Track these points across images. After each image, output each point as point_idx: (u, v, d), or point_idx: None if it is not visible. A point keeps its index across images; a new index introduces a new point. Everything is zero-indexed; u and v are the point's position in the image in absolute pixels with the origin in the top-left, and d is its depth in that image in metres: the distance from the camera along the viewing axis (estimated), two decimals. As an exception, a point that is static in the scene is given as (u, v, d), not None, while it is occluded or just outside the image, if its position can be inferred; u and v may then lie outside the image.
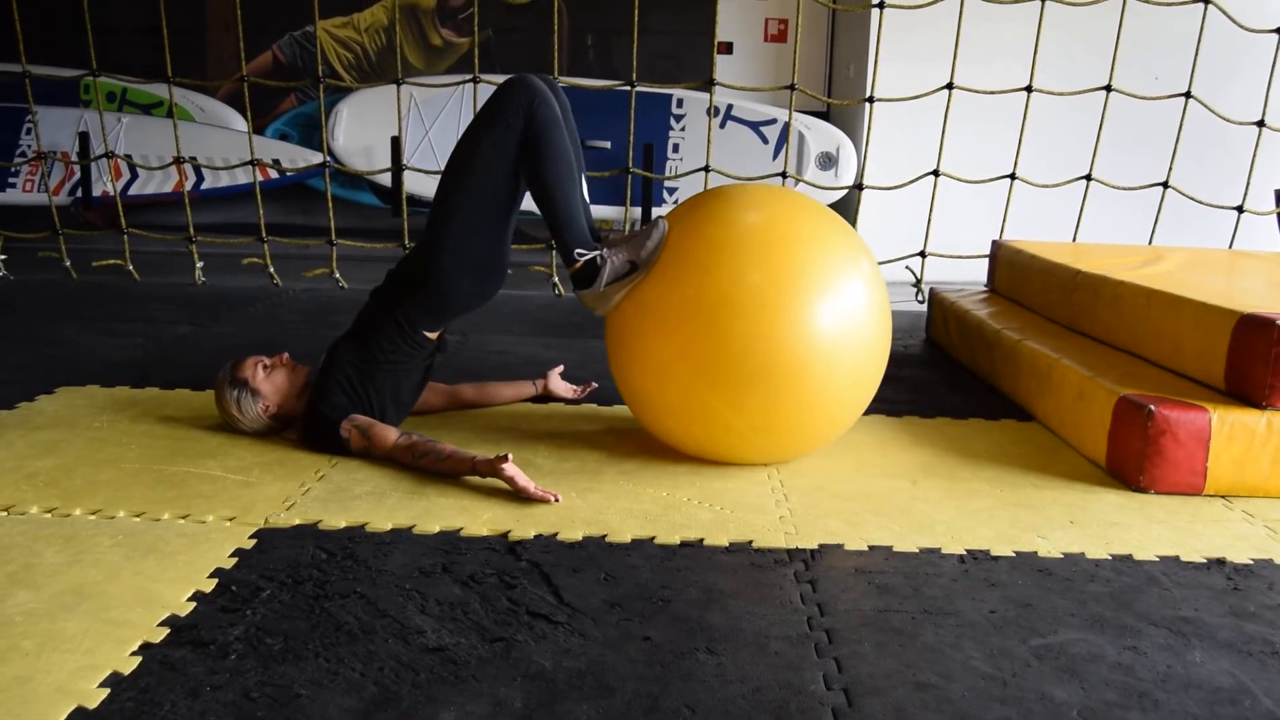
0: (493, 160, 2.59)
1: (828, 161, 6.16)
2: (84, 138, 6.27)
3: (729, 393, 2.45)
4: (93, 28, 4.99)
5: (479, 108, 2.69)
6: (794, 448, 2.63)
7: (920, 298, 4.97)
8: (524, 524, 2.23)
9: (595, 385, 3.24)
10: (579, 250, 2.57)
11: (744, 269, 2.43)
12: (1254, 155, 5.01)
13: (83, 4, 4.92)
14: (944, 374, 3.77)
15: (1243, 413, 2.52)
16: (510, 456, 2.38)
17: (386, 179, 5.83)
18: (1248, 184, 5.08)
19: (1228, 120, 4.97)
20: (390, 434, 2.57)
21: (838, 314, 2.45)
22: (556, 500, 2.36)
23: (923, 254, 5.06)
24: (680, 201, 6.14)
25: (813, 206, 2.64)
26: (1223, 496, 2.54)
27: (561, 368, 3.25)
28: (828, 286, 2.45)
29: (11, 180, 6.34)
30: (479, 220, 2.64)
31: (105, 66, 5.22)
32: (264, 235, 5.19)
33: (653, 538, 2.19)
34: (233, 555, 2.04)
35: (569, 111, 2.71)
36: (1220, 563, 2.17)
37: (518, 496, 2.37)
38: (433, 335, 2.75)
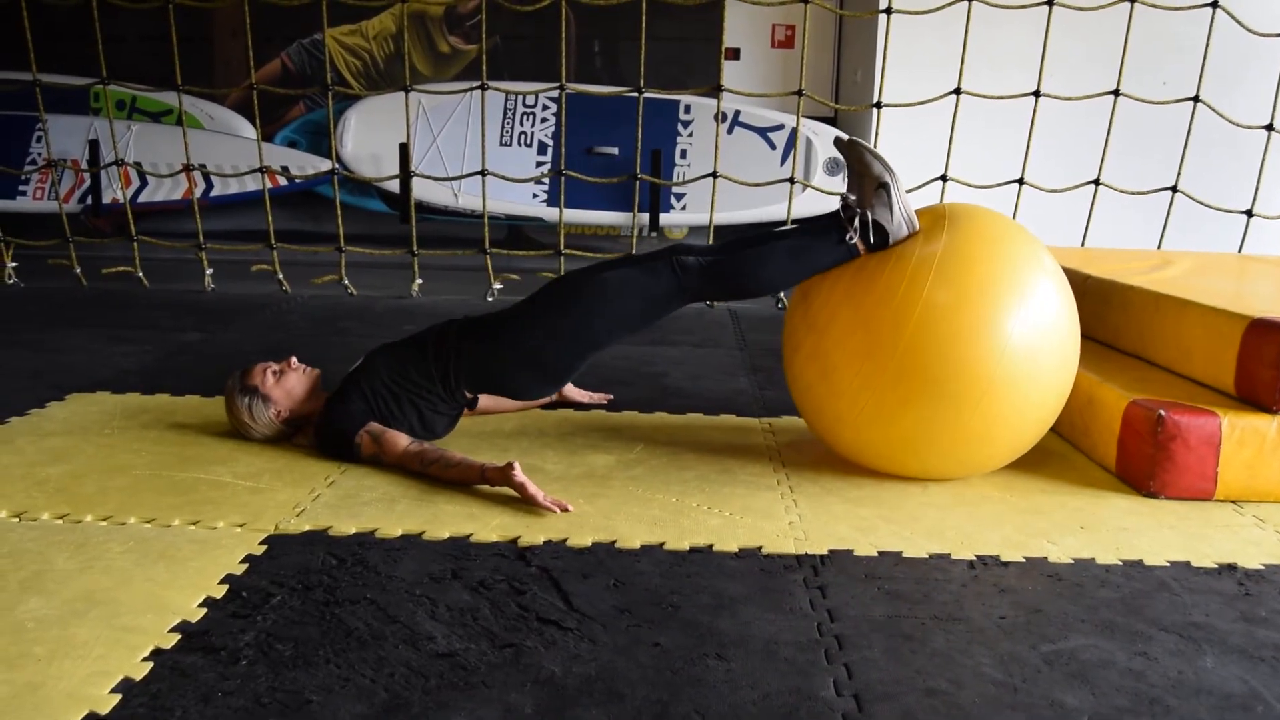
0: (629, 299, 2.59)
1: (835, 167, 6.16)
2: (94, 145, 6.29)
3: (923, 407, 2.42)
4: (102, 36, 5.02)
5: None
6: (992, 462, 2.61)
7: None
8: (533, 530, 2.24)
9: (611, 397, 3.24)
10: (848, 237, 2.51)
11: (937, 286, 2.40)
12: (1263, 159, 5.00)
13: (92, 13, 4.95)
14: (953, 379, 3.75)
15: (1253, 417, 2.51)
16: (518, 464, 2.39)
17: (395, 185, 5.84)
18: (1257, 188, 5.07)
19: (1236, 124, 4.96)
20: (401, 440, 2.57)
21: (1039, 331, 2.43)
22: (566, 510, 2.36)
23: (931, 259, 5.05)
24: (687, 207, 6.17)
25: (1022, 233, 2.63)
26: (1233, 502, 2.54)
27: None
28: (1028, 304, 2.43)
29: (22, 188, 6.36)
30: (580, 338, 2.63)
31: (115, 75, 5.24)
32: (273, 242, 5.21)
33: (662, 543, 2.19)
34: (243, 561, 2.05)
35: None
36: (1231, 568, 2.16)
37: (528, 503, 2.38)
38: (470, 395, 2.74)
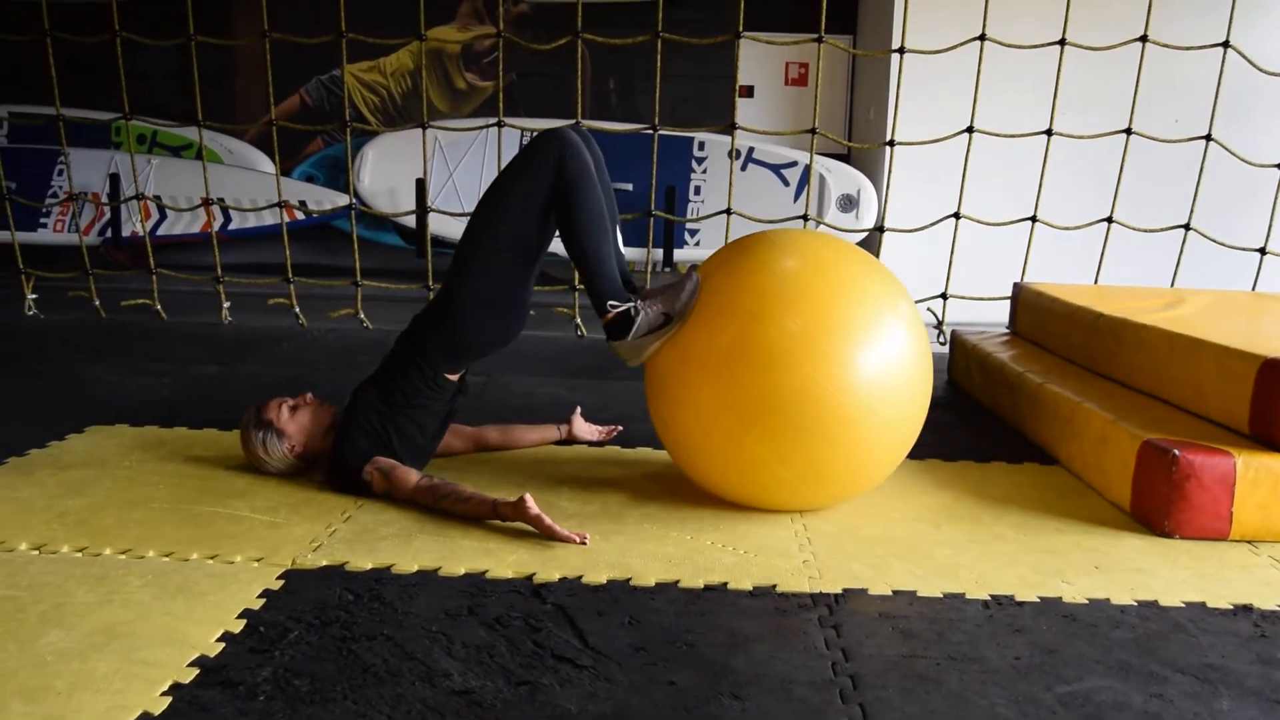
0: (520, 206, 2.62)
1: (849, 204, 6.19)
2: (114, 179, 6.38)
3: (774, 441, 2.44)
4: (125, 72, 5.09)
5: (512, 156, 2.73)
6: (839, 494, 2.63)
7: (942, 340, 4.97)
8: (548, 567, 2.24)
9: (620, 429, 3.25)
10: (611, 302, 2.58)
11: (787, 314, 2.43)
12: (1276, 197, 5.02)
13: (116, 50, 5.03)
14: (966, 416, 3.76)
15: (1268, 457, 2.51)
16: (529, 497, 2.40)
17: (411, 220, 5.90)
18: (1270, 226, 5.08)
19: (1248, 162, 4.98)
20: (412, 476, 2.59)
21: (882, 359, 2.45)
22: (584, 541, 2.37)
23: (944, 296, 5.08)
24: (701, 243, 6.21)
25: (851, 250, 2.66)
26: (1249, 542, 2.53)
27: (580, 409, 3.25)
28: (870, 332, 2.46)
29: (43, 220, 6.44)
30: (501, 263, 2.67)
31: (137, 110, 5.31)
32: (290, 276, 5.25)
33: (677, 581, 2.20)
34: (261, 596, 2.06)
35: (602, 165, 2.74)
36: (1247, 609, 2.16)
37: (542, 539, 2.39)
38: (453, 377, 2.76)
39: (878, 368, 2.44)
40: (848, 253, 2.64)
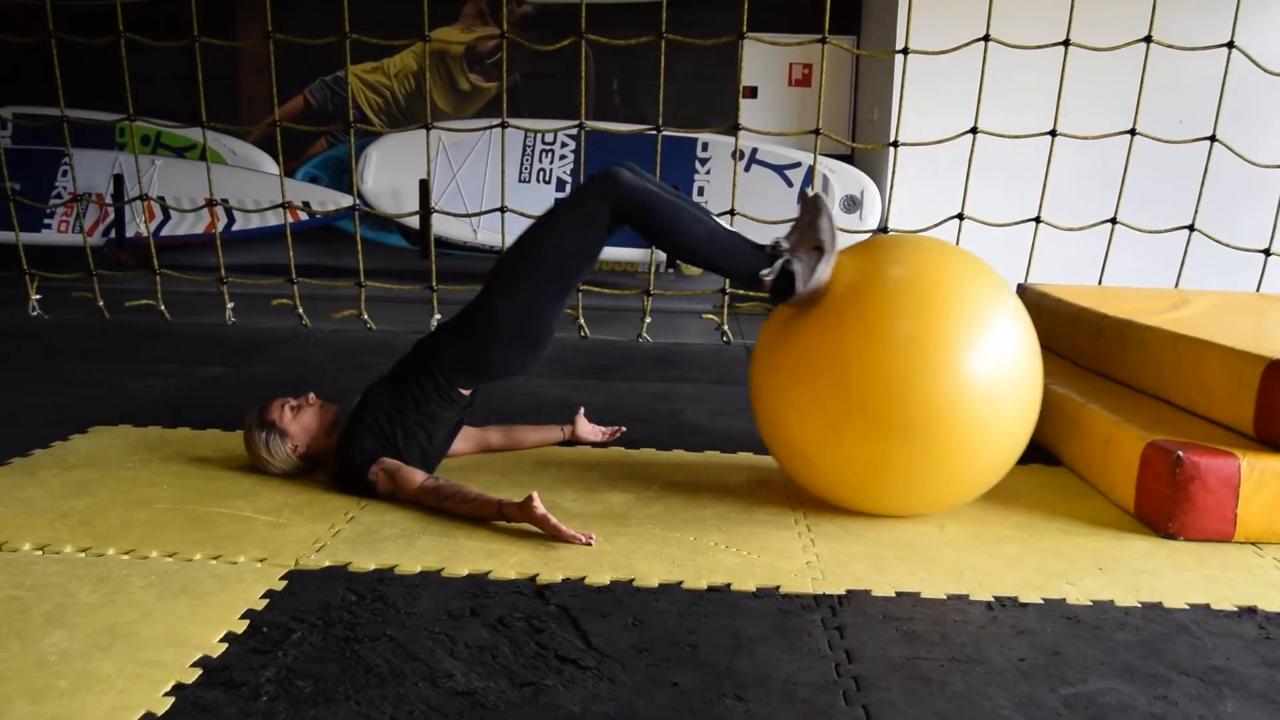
0: (567, 237, 2.61)
1: (852, 205, 6.19)
2: (118, 180, 6.38)
3: (888, 444, 2.42)
4: (130, 74, 5.10)
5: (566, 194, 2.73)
6: (954, 497, 2.61)
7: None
8: (552, 568, 2.24)
9: (624, 429, 3.25)
10: (762, 272, 2.55)
11: (899, 319, 2.41)
12: (1280, 198, 5.01)
13: (120, 51, 5.03)
14: (970, 417, 3.75)
15: (1272, 459, 2.51)
16: (536, 496, 2.40)
17: (414, 221, 5.90)
18: (1274, 226, 5.07)
19: (1253, 163, 4.97)
20: (416, 477, 2.59)
21: (994, 361, 2.43)
22: (589, 542, 2.37)
23: (948, 297, 5.06)
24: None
25: (959, 253, 2.65)
26: (1253, 543, 2.52)
27: (583, 410, 3.26)
28: (981, 334, 2.44)
29: (47, 221, 6.45)
30: (541, 288, 2.64)
31: (141, 111, 5.33)
32: (293, 276, 5.25)
33: (680, 582, 2.20)
34: (264, 596, 2.06)
35: (658, 183, 2.73)
36: (1252, 611, 2.15)
37: (546, 539, 2.38)
38: (466, 392, 2.76)
39: (990, 370, 2.42)
40: (957, 255, 2.63)
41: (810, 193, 2.60)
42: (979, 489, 2.61)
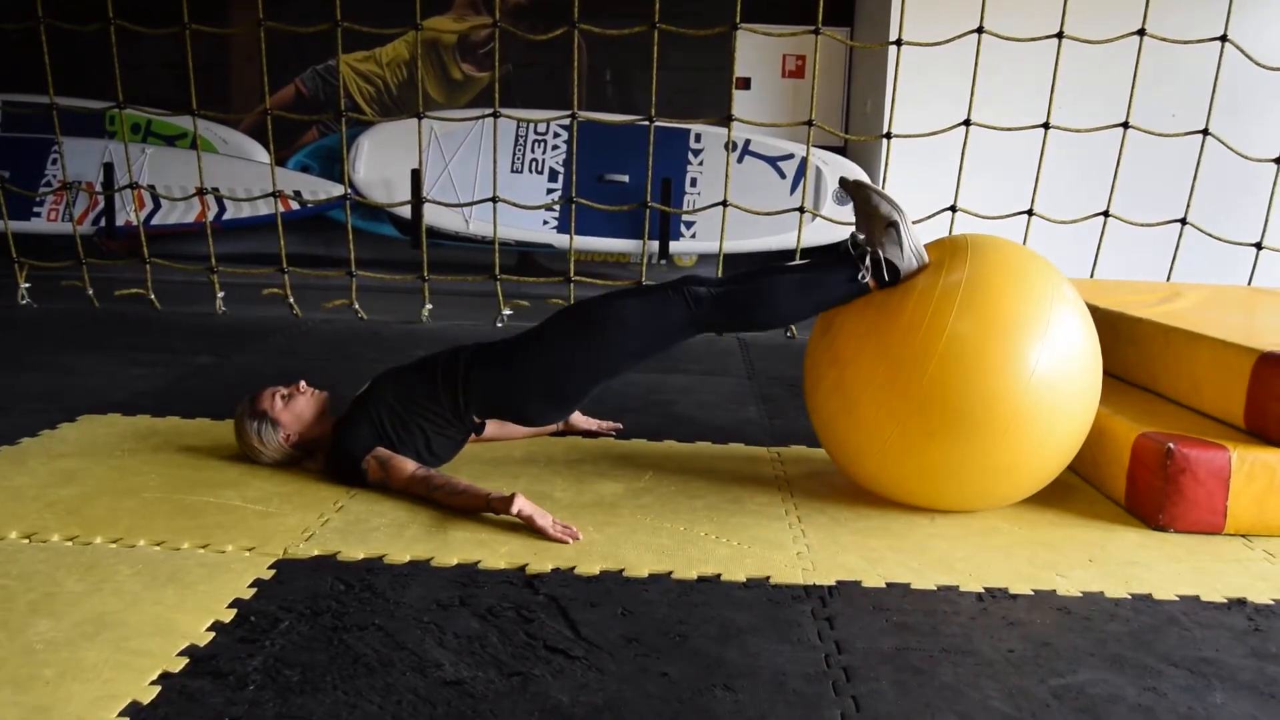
0: (637, 330, 2.60)
1: (844, 197, 6.18)
2: (108, 168, 6.35)
3: (948, 441, 2.42)
4: (120, 61, 5.07)
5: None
6: (1010, 494, 2.61)
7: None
8: (541, 558, 2.24)
9: (620, 426, 3.24)
10: (859, 275, 2.54)
11: (958, 317, 2.40)
12: (1272, 191, 5.01)
13: (110, 38, 5.00)
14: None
15: (1263, 451, 2.51)
16: (519, 495, 2.39)
17: (406, 211, 5.88)
18: (1266, 220, 5.07)
19: (1245, 157, 4.98)
20: (408, 466, 2.58)
21: (1055, 358, 2.41)
22: (576, 538, 2.36)
23: (940, 289, 5.06)
24: (697, 235, 6.19)
25: (1021, 250, 2.63)
26: (1243, 536, 2.53)
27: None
28: (1042, 331, 2.42)
29: (36, 210, 6.42)
30: (588, 368, 2.64)
31: (131, 99, 5.29)
32: (284, 266, 5.23)
33: (670, 573, 2.19)
34: (251, 586, 2.05)
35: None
36: (1241, 603, 2.15)
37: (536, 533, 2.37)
38: (479, 420, 2.75)
39: (1050, 367, 2.40)
40: (1017, 252, 2.61)
41: (850, 179, 2.58)
42: (1036, 486, 2.61)
